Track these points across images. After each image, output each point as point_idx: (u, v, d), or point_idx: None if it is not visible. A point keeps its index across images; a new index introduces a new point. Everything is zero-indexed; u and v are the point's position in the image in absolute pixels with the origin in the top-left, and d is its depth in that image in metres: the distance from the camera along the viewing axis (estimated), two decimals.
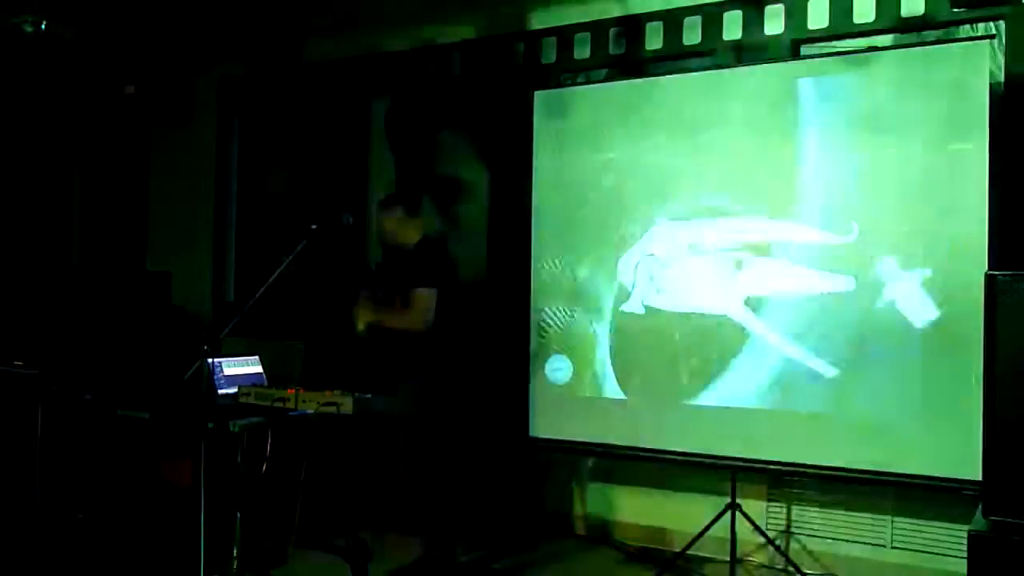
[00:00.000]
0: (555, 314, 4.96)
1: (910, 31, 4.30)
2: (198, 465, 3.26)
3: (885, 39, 4.37)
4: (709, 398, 4.49)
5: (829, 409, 4.22)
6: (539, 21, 5.27)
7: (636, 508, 4.96)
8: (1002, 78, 4.07)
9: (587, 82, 5.07)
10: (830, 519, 4.46)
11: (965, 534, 3.44)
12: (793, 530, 4.54)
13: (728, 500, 4.32)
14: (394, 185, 5.87)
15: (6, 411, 5.06)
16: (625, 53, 4.99)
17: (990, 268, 3.77)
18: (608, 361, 4.81)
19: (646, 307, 4.69)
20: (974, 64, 3.92)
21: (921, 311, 4.04)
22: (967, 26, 4.23)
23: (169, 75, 6.71)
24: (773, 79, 4.41)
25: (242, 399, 3.94)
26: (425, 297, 4.03)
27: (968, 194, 3.92)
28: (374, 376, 4.17)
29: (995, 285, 3.27)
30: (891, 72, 4.14)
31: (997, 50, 4.10)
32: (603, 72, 5.09)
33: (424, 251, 4.23)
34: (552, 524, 5.18)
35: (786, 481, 4.53)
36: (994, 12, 4.11)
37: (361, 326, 4.11)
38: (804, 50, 4.57)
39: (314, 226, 3.92)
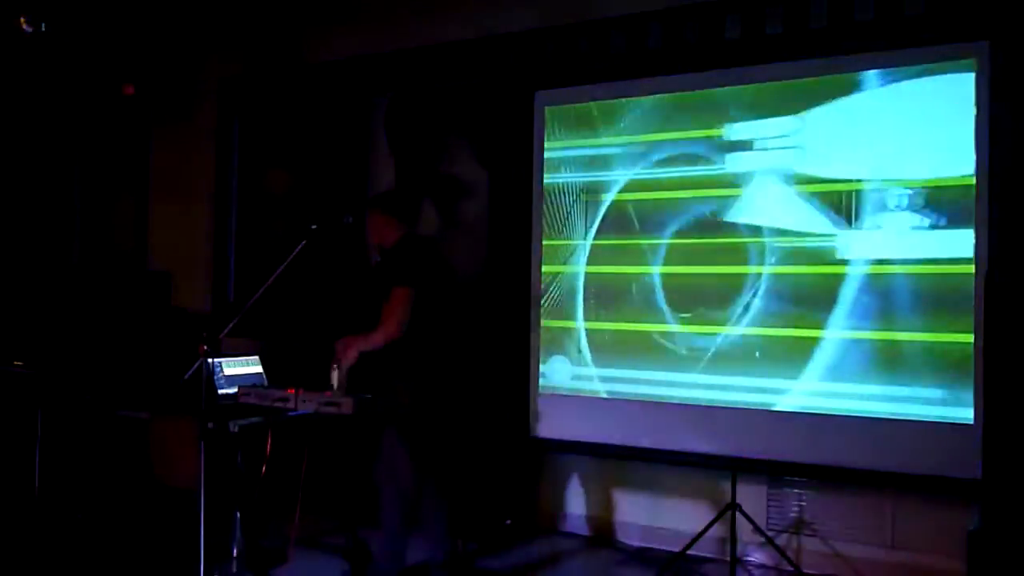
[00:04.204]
0: (556, 314, 4.97)
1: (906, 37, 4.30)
2: None
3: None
4: (711, 398, 4.51)
5: (829, 409, 4.23)
6: (539, 20, 5.27)
7: (636, 508, 4.96)
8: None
9: (588, 82, 5.06)
10: (830, 519, 4.46)
11: (965, 534, 3.45)
12: (793, 530, 4.54)
13: (728, 500, 4.32)
14: (394, 185, 5.87)
15: (6, 411, 5.06)
16: (626, 52, 4.99)
17: (990, 271, 3.78)
18: (608, 361, 4.81)
19: (646, 307, 4.70)
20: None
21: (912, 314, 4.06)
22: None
23: (169, 75, 6.70)
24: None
25: (242, 399, 3.93)
26: (397, 295, 3.83)
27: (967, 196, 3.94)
28: (375, 377, 4.16)
29: (995, 288, 3.29)
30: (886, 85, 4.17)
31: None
32: (604, 72, 5.08)
33: (400, 250, 4.03)
34: (551, 523, 5.18)
35: (786, 481, 4.53)
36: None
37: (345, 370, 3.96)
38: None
39: (314, 226, 3.93)
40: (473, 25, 5.48)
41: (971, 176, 3.97)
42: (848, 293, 4.22)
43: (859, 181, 4.21)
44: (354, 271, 5.68)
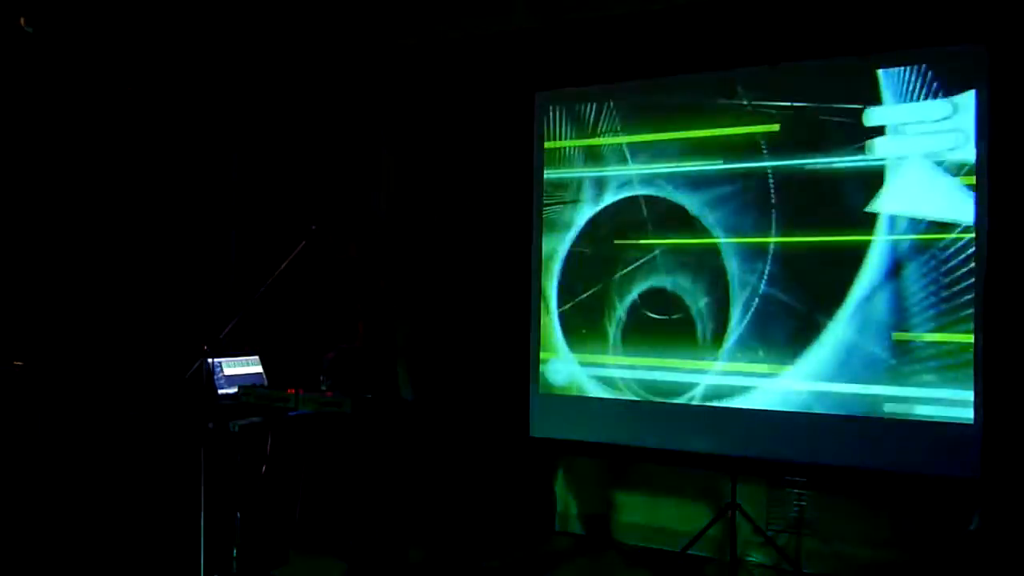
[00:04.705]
0: (556, 314, 4.97)
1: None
2: None
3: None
4: (710, 397, 4.51)
5: (829, 409, 4.23)
6: (539, 20, 5.26)
7: (636, 508, 4.96)
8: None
9: (588, 82, 5.05)
10: (830, 519, 4.46)
11: (965, 534, 3.45)
12: (793, 530, 4.54)
13: (728, 500, 4.32)
14: (394, 185, 5.87)
15: (6, 411, 5.06)
16: (627, 52, 4.99)
17: (989, 275, 3.78)
18: (608, 362, 4.81)
19: (647, 307, 4.70)
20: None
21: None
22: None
23: (169, 75, 6.70)
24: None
25: (242, 399, 3.93)
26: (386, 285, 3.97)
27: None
28: (375, 377, 4.16)
29: (994, 290, 3.29)
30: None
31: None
32: (605, 72, 5.08)
33: (368, 250, 4.16)
34: (552, 524, 5.18)
35: (786, 481, 4.53)
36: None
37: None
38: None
39: (314, 226, 3.93)
40: (473, 25, 5.47)
41: None
42: (858, 292, 4.22)
43: None
44: (350, 272, 5.68)
